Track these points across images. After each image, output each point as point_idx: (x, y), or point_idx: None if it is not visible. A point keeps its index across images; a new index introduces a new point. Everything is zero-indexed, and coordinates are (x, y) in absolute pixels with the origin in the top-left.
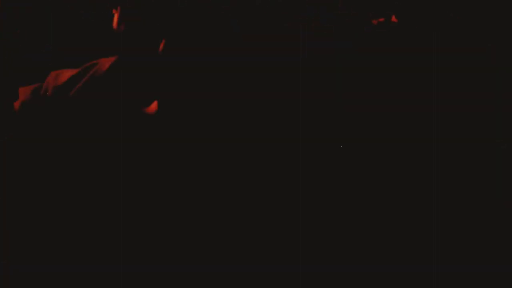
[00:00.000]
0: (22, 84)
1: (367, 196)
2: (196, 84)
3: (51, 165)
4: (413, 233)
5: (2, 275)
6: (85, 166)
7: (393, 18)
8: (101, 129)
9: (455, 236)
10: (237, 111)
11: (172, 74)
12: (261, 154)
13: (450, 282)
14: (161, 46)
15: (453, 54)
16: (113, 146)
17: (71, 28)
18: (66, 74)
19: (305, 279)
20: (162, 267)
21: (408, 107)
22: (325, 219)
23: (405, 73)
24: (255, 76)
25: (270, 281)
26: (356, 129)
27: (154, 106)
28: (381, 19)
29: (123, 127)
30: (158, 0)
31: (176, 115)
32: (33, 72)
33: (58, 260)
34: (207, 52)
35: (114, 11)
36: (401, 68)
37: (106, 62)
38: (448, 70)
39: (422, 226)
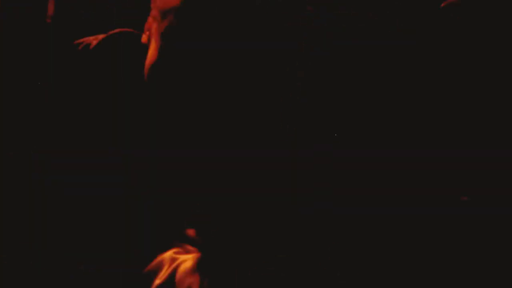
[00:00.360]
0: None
1: (364, 198)
2: (197, 83)
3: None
4: (412, 233)
5: (2, 274)
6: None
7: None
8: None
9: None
10: (235, 110)
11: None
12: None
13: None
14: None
15: (452, 53)
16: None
17: (71, 28)
18: None
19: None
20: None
21: (407, 107)
22: (320, 222)
23: (404, 72)
24: (254, 75)
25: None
26: (354, 128)
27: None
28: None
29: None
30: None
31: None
32: (33, 72)
33: (58, 260)
34: (206, 52)
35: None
36: (401, 67)
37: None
38: (448, 70)
39: (422, 228)
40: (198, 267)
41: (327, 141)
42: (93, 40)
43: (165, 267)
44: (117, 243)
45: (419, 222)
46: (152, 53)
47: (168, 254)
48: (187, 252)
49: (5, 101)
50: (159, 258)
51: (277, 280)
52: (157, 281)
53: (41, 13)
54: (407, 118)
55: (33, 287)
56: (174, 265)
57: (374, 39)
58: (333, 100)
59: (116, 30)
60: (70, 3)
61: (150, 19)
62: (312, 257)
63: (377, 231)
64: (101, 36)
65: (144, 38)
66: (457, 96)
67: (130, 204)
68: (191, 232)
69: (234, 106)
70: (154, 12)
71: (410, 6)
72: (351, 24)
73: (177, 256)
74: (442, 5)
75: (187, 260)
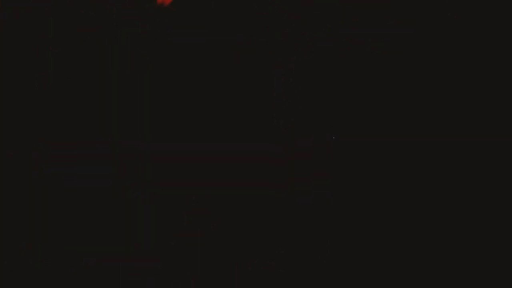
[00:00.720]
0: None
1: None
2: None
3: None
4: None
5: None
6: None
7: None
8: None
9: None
10: (235, 108)
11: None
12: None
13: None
14: None
15: (451, 53)
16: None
17: (71, 27)
18: None
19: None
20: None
21: (406, 106)
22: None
23: (404, 72)
24: (252, 74)
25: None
26: (353, 127)
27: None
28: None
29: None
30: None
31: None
32: (33, 71)
33: (57, 258)
34: (209, 52)
35: None
36: (399, 67)
37: None
38: (447, 69)
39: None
40: None
41: (324, 132)
42: None
43: None
44: (116, 236)
45: (419, 213)
46: None
47: None
48: None
49: (5, 100)
50: None
51: (276, 274)
52: None
53: (41, 13)
54: (401, 110)
55: (34, 279)
56: None
57: (368, 36)
58: (327, 91)
59: None
60: (70, 3)
61: None
62: (311, 251)
63: (377, 224)
64: None
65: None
66: (455, 95)
67: (128, 196)
68: None
69: (229, 99)
70: None
71: (409, 6)
72: (345, 21)
73: None
74: None
75: None
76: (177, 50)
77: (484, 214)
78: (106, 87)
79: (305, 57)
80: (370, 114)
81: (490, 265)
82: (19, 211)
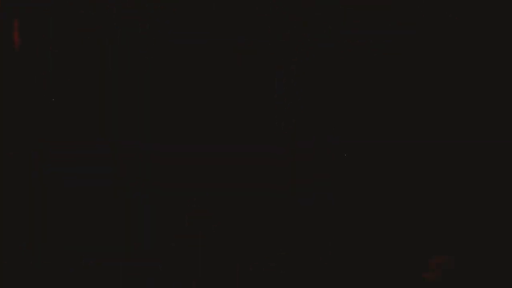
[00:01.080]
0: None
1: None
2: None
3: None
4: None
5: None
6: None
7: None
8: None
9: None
10: (236, 110)
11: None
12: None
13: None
14: None
15: (453, 55)
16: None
17: (71, 28)
18: None
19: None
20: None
21: (408, 108)
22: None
23: (405, 73)
24: (253, 76)
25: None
26: (354, 129)
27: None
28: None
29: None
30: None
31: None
32: (33, 71)
33: (59, 258)
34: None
35: None
36: (401, 68)
37: None
38: (449, 71)
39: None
40: None
41: (325, 134)
42: None
43: None
44: (116, 236)
45: (420, 215)
46: None
47: None
48: None
49: (5, 100)
50: None
51: (278, 275)
52: None
53: (41, 13)
54: (403, 111)
55: (34, 279)
56: None
57: (370, 37)
58: (329, 93)
59: None
60: (70, 3)
61: None
62: (312, 252)
63: (377, 225)
64: None
65: None
66: (456, 95)
67: (128, 196)
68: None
69: (229, 100)
70: None
71: (409, 7)
72: (346, 22)
73: None
74: None
75: None
76: (178, 51)
77: (486, 216)
78: (106, 87)
79: (306, 58)
80: (372, 115)
81: (490, 265)
82: (19, 211)
